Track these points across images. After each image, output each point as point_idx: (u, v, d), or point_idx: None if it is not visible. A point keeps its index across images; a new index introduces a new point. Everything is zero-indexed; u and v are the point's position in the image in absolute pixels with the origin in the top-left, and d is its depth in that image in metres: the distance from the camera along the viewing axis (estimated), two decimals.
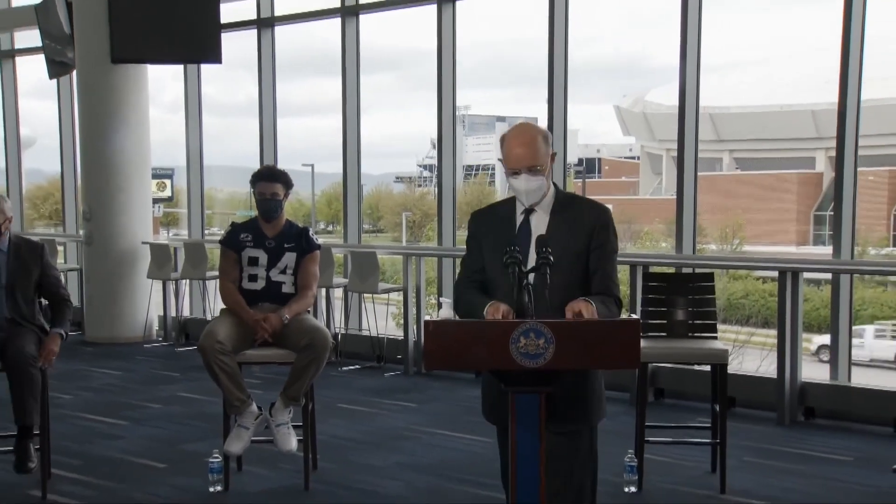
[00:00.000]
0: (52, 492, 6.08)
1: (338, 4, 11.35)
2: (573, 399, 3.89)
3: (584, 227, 3.96)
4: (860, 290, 24.19)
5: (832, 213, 8.63)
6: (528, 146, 3.96)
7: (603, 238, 3.97)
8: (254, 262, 6.28)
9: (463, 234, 10.02)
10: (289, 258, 6.30)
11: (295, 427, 6.23)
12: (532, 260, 3.79)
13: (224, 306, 6.38)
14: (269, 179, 6.34)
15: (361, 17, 11.33)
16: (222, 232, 6.80)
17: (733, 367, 6.91)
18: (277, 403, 6.15)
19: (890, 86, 36.15)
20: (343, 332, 11.00)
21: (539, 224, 3.99)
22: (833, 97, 8.23)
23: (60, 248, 13.85)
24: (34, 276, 5.95)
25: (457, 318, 3.99)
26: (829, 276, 8.70)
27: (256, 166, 11.62)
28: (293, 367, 6.10)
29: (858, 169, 8.30)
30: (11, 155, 15.06)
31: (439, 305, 11.50)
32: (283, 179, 6.38)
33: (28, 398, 5.85)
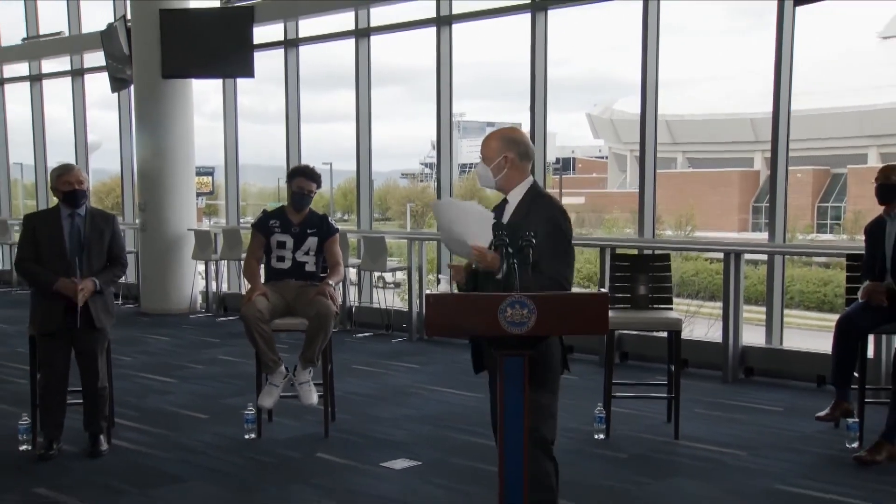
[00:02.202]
0: (116, 438, 6.09)
1: (352, 27, 11.31)
2: (534, 361, 3.82)
3: (537, 220, 3.91)
4: (790, 269, 24.22)
5: (767, 204, 8.62)
6: (484, 143, 4.09)
7: (549, 230, 3.90)
8: (282, 245, 6.26)
9: None
10: (311, 242, 6.28)
11: (316, 385, 6.24)
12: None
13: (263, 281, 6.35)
14: (309, 178, 6.31)
15: (372, 38, 11.29)
16: (254, 218, 6.79)
17: (685, 334, 6.91)
18: (298, 366, 6.16)
19: (814, 99, 36.20)
20: (357, 304, 10.99)
21: (507, 213, 4.03)
22: (768, 108, 8.23)
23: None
24: (106, 240, 5.83)
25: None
26: (765, 257, 8.70)
27: (284, 165, 11.68)
28: (307, 334, 6.10)
29: (789, 168, 8.31)
30: (81, 156, 15.02)
31: (438, 281, 11.51)
32: (318, 180, 6.39)
33: (99, 417, 5.83)
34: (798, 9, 7.83)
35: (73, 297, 5.54)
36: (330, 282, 6.14)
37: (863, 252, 6.17)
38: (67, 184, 5.71)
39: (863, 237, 6.19)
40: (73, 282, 5.56)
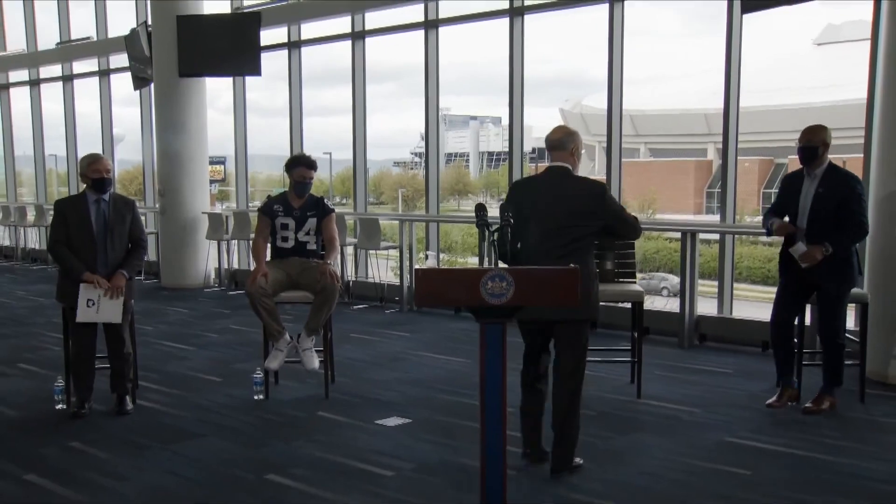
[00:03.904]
0: (141, 399, 6.09)
1: (349, 30, 11.25)
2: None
3: None
4: (739, 247, 24.32)
5: (719, 190, 8.63)
6: None
7: None
8: (285, 227, 6.23)
9: (444, 206, 10.01)
10: (311, 223, 6.25)
11: (317, 351, 6.22)
12: None
13: (267, 260, 6.32)
14: (308, 167, 6.26)
15: (367, 39, 11.24)
16: (260, 203, 6.77)
17: (647, 305, 6.91)
18: (302, 334, 6.14)
19: (759, 97, 36.30)
20: (354, 279, 10.97)
21: None
22: (719, 104, 8.24)
23: (143, 218, 13.78)
24: (128, 223, 5.80)
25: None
26: (717, 236, 8.70)
27: (288, 154, 11.63)
28: (312, 307, 6.07)
29: (738, 158, 8.32)
30: (107, 148, 14.97)
31: (426, 258, 11.44)
32: (316, 167, 6.34)
33: (125, 379, 5.83)
34: (745, 16, 7.85)
35: (97, 287, 5.59)
36: (329, 261, 6.11)
37: None
38: (97, 171, 5.68)
39: None
40: (97, 278, 5.58)
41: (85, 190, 5.77)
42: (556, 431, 4.53)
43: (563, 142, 4.56)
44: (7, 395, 6.33)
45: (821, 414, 5.59)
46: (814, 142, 5.55)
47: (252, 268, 6.19)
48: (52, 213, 5.52)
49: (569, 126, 4.81)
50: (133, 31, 12.51)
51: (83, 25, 15.15)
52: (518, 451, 4.65)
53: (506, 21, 9.66)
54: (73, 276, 5.62)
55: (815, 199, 5.53)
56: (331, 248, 6.22)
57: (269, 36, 11.85)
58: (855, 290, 6.12)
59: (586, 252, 4.47)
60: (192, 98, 11.73)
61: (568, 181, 4.52)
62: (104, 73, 14.84)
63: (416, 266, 9.71)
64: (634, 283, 6.52)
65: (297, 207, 6.24)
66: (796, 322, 5.93)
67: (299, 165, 6.25)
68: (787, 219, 5.72)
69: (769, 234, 5.76)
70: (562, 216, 4.39)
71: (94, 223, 5.68)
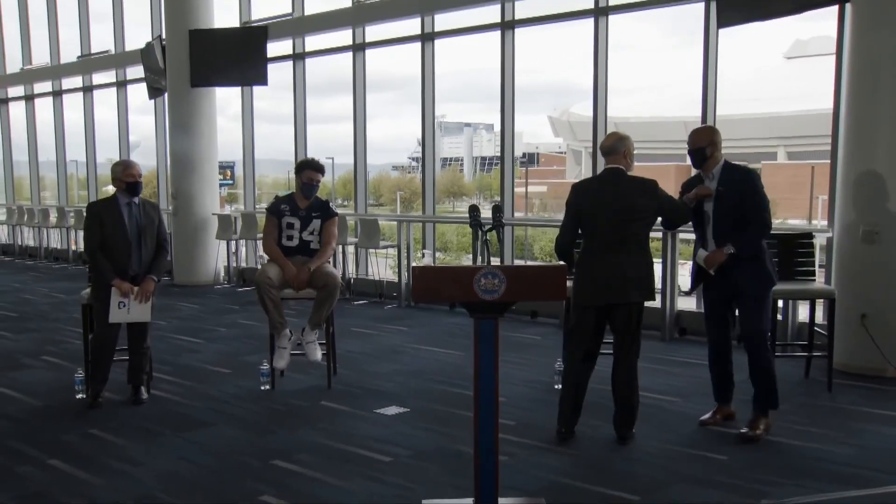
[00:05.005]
0: (155, 389, 6.08)
1: (350, 42, 11.24)
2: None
3: None
4: None
5: None
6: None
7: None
8: (290, 226, 6.20)
9: (440, 208, 10.00)
10: (315, 223, 6.23)
11: (320, 344, 6.21)
12: None
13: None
14: (316, 170, 6.24)
15: (367, 51, 11.22)
16: (268, 203, 6.73)
17: None
18: (306, 328, 6.12)
19: (734, 106, 36.39)
20: (354, 276, 10.96)
21: None
22: (698, 112, 8.25)
23: None
24: (156, 225, 5.81)
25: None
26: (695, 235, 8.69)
27: (293, 159, 11.62)
28: (315, 302, 6.06)
29: None
30: (124, 154, 14.89)
31: (423, 256, 11.41)
32: (323, 170, 6.33)
33: (141, 371, 5.85)
34: (721, 31, 7.86)
35: (126, 293, 5.60)
36: (314, 261, 6.07)
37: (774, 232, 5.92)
38: (131, 176, 5.70)
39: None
40: (128, 285, 5.60)
41: (115, 193, 5.76)
42: (623, 403, 4.85)
43: (615, 147, 4.87)
44: (31, 385, 6.32)
45: (758, 441, 4.85)
46: (700, 143, 5.03)
47: (259, 266, 6.17)
48: (73, 215, 5.52)
49: (620, 132, 5.01)
50: (148, 44, 12.51)
51: (102, 40, 15.22)
52: (510, 439, 4.64)
53: (497, 34, 9.65)
54: (103, 280, 5.63)
55: (717, 198, 4.97)
56: (323, 249, 6.17)
57: (275, 48, 11.84)
58: (823, 287, 6.13)
59: (644, 242, 4.79)
60: (203, 106, 11.72)
61: (623, 181, 4.80)
62: (121, 84, 14.80)
63: (414, 264, 9.71)
64: None
65: (303, 208, 6.22)
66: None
67: (308, 168, 6.24)
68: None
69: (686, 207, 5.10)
70: (619, 212, 4.67)
71: (128, 225, 5.69)
